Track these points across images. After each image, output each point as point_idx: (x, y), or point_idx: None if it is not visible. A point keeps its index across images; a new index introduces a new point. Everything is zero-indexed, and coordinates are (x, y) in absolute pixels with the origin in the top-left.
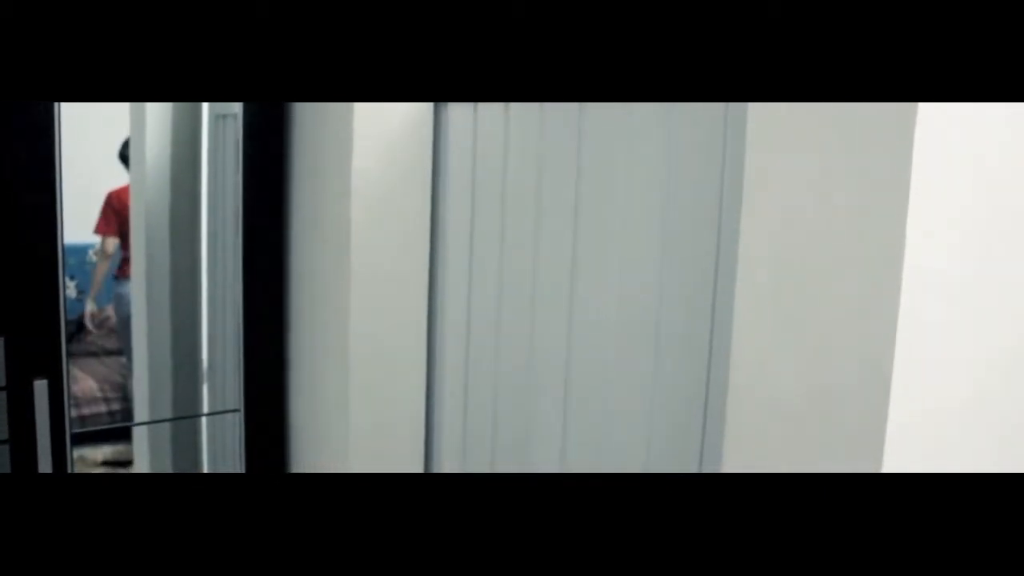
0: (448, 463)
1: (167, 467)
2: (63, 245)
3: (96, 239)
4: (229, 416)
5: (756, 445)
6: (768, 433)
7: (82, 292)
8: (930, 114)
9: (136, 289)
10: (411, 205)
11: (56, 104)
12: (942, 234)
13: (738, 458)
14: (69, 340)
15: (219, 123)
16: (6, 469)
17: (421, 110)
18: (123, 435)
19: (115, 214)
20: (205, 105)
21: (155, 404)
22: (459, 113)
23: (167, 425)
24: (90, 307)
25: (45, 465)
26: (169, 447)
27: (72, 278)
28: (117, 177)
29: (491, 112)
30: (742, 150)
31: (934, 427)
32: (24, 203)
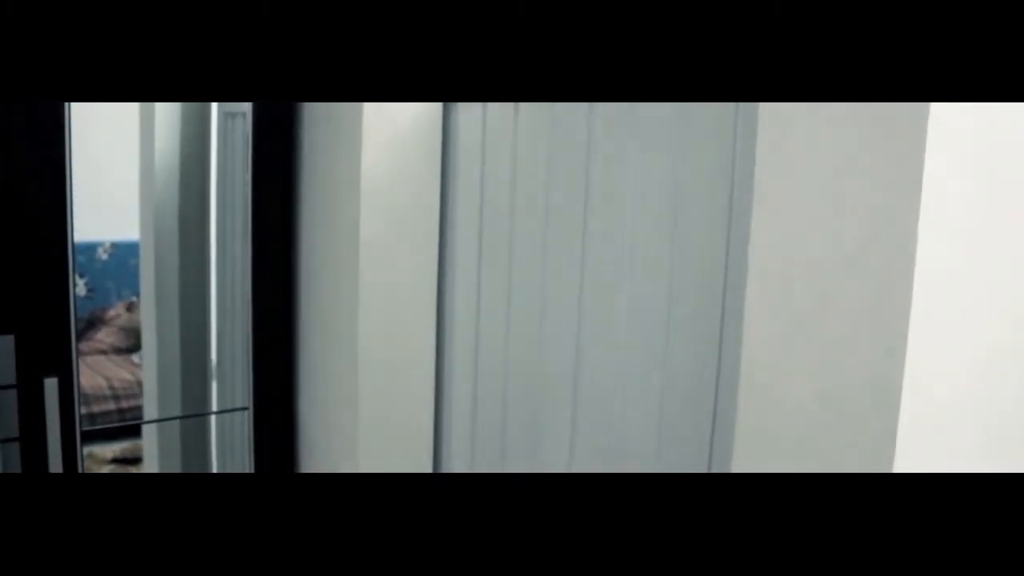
0: (457, 462)
1: (176, 465)
2: (73, 243)
3: (104, 237)
4: (238, 414)
5: (766, 445)
6: (778, 433)
7: (92, 290)
8: (942, 113)
9: (145, 287)
10: (420, 204)
11: (66, 103)
12: (954, 233)
13: (748, 458)
14: (79, 338)
15: (228, 121)
16: (16, 466)
17: (430, 110)
18: (132, 433)
19: None
20: (214, 104)
21: (164, 402)
22: (468, 113)
23: (176, 423)
24: None
25: (55, 462)
26: (178, 445)
27: (82, 276)
28: (126, 176)
29: (500, 112)
30: (752, 150)
31: (946, 427)
32: (34, 202)
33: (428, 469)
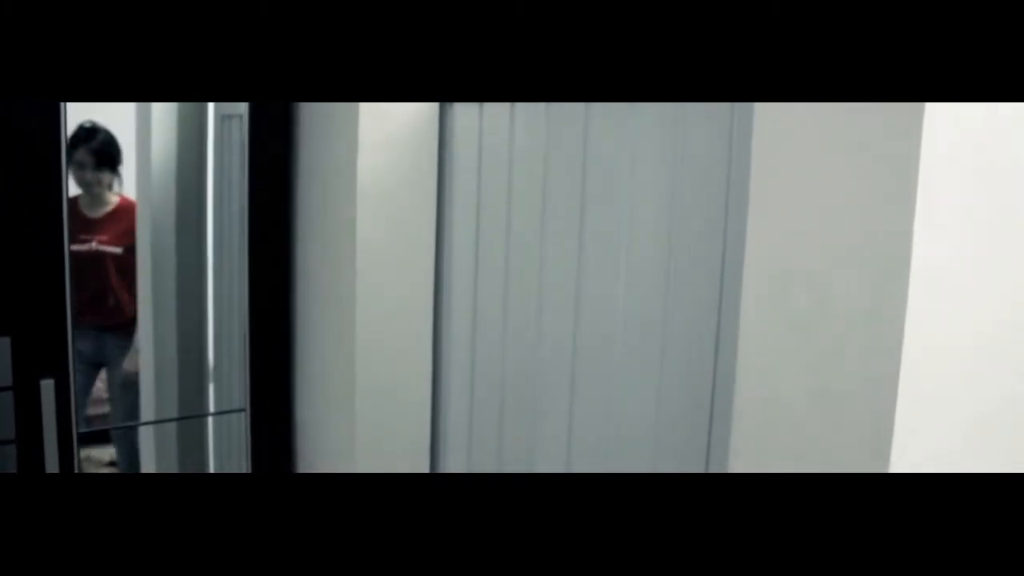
0: (454, 462)
1: (173, 466)
2: (69, 245)
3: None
4: (235, 416)
5: (762, 447)
6: (774, 435)
7: None
8: (937, 114)
9: (142, 290)
10: (417, 205)
11: (62, 104)
12: (949, 237)
13: (744, 460)
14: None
15: (225, 123)
16: (13, 468)
17: (427, 110)
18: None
19: None
20: (211, 105)
21: (161, 404)
22: (465, 113)
23: (173, 425)
24: None
25: (52, 465)
26: (175, 447)
27: None
28: (125, 177)
29: (497, 112)
30: (748, 150)
31: (941, 429)
32: (31, 203)
33: (425, 469)
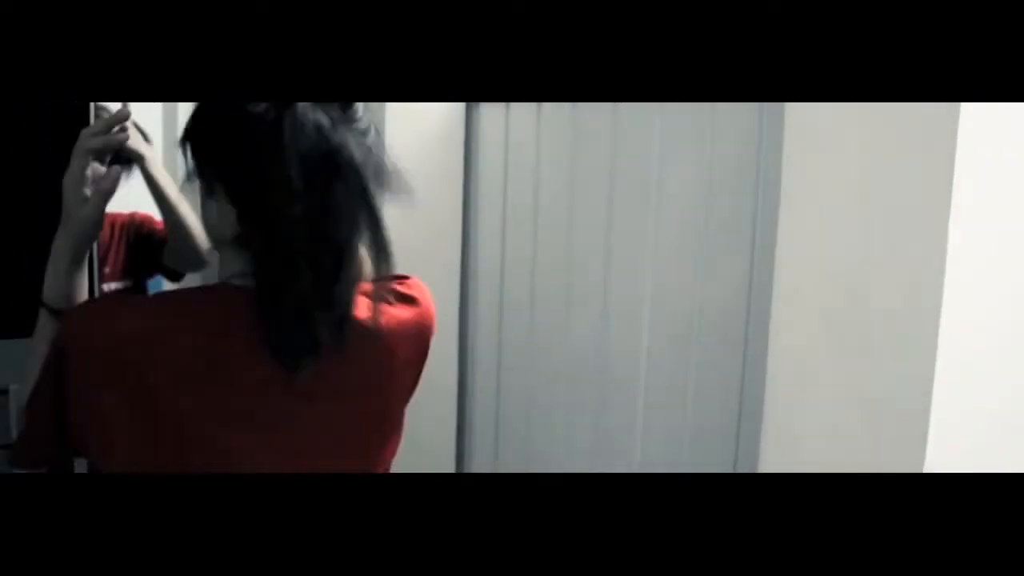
0: (480, 461)
1: None
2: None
3: None
4: None
5: (792, 445)
6: (805, 434)
7: None
8: (973, 114)
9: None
10: (444, 204)
11: (91, 104)
12: (985, 236)
13: (774, 459)
14: None
15: None
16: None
17: (453, 109)
18: None
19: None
20: None
21: None
22: (491, 113)
23: None
24: None
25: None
26: None
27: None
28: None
29: (523, 112)
30: (779, 150)
31: (977, 430)
32: (52, 204)
33: (451, 466)
